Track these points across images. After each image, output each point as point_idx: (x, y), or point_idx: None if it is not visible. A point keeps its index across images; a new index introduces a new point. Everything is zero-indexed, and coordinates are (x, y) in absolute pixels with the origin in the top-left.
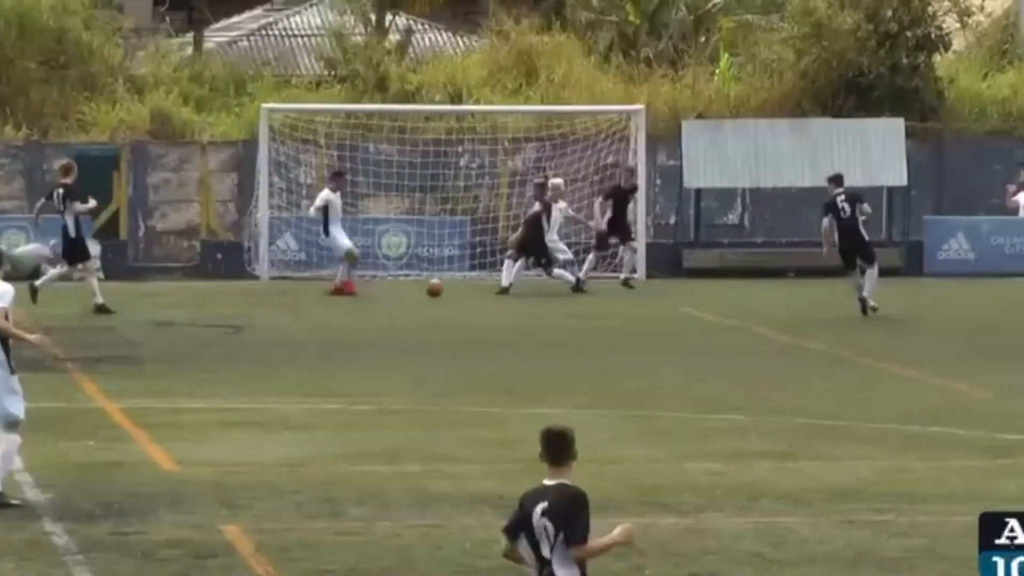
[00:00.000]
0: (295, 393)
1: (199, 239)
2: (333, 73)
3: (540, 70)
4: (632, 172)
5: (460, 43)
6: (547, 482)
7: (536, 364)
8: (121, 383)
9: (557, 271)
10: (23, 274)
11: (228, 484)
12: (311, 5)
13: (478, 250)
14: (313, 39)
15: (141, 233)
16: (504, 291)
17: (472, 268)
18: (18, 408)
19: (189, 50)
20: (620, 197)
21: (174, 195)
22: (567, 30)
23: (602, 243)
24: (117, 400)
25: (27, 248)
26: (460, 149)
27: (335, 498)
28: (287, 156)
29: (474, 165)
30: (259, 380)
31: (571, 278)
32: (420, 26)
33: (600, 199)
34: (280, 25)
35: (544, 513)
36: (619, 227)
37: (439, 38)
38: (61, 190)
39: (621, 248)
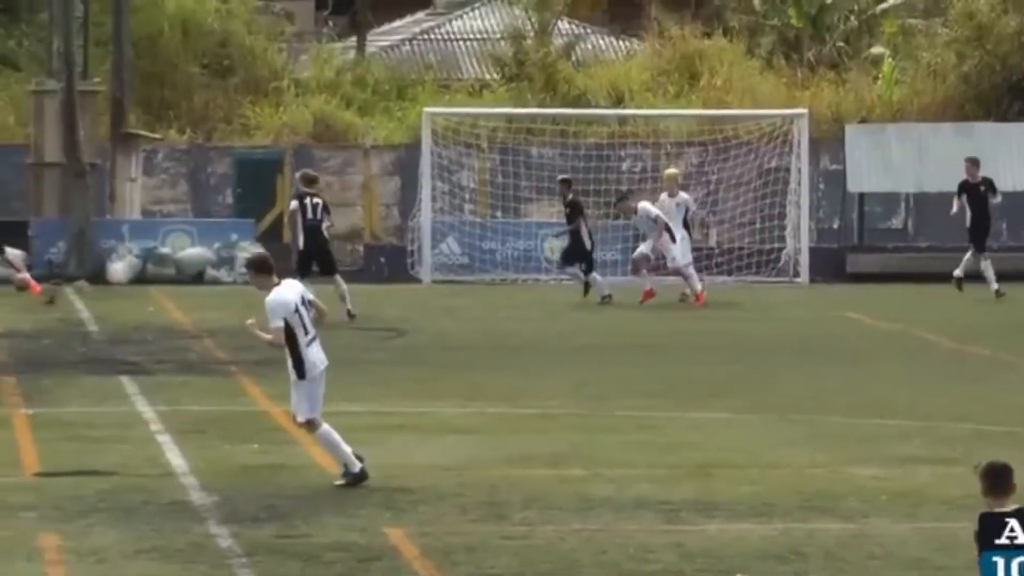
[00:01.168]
0: (458, 397)
1: (362, 243)
2: (502, 74)
3: (702, 74)
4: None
5: (622, 47)
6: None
7: (697, 368)
8: (284, 386)
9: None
10: (186, 277)
11: (392, 487)
12: (473, 9)
13: None
14: (475, 43)
15: None
16: (606, 299)
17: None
18: None
19: (352, 54)
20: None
21: (337, 199)
22: (729, 34)
23: None
24: (280, 403)
25: (191, 252)
26: (622, 153)
27: (499, 502)
28: (449, 160)
29: (636, 169)
30: (422, 384)
31: (592, 281)
32: (583, 30)
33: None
34: (442, 29)
35: None
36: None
37: (601, 42)
38: (319, 202)
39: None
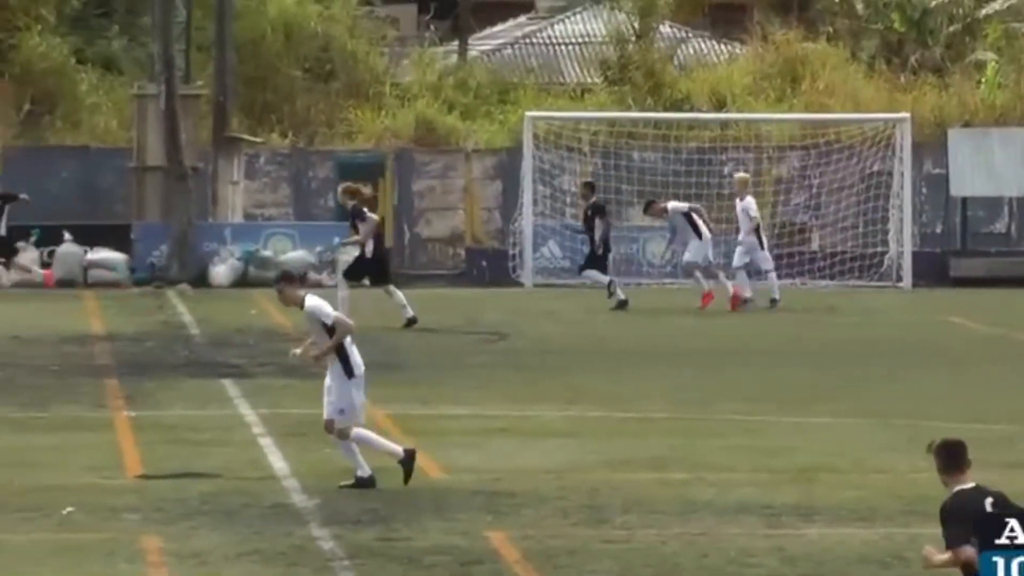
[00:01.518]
0: (559, 400)
1: (464, 246)
2: (604, 78)
3: (804, 78)
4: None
5: (724, 51)
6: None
7: (798, 372)
8: (386, 390)
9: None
10: None
11: (493, 491)
12: (575, 13)
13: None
14: (577, 47)
15: (406, 240)
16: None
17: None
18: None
19: (453, 58)
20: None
21: (439, 202)
22: (832, 38)
23: None
24: (383, 406)
25: (293, 255)
26: (724, 157)
27: (599, 505)
28: (551, 164)
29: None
30: (523, 387)
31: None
32: (685, 34)
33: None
34: (544, 33)
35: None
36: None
37: (703, 46)
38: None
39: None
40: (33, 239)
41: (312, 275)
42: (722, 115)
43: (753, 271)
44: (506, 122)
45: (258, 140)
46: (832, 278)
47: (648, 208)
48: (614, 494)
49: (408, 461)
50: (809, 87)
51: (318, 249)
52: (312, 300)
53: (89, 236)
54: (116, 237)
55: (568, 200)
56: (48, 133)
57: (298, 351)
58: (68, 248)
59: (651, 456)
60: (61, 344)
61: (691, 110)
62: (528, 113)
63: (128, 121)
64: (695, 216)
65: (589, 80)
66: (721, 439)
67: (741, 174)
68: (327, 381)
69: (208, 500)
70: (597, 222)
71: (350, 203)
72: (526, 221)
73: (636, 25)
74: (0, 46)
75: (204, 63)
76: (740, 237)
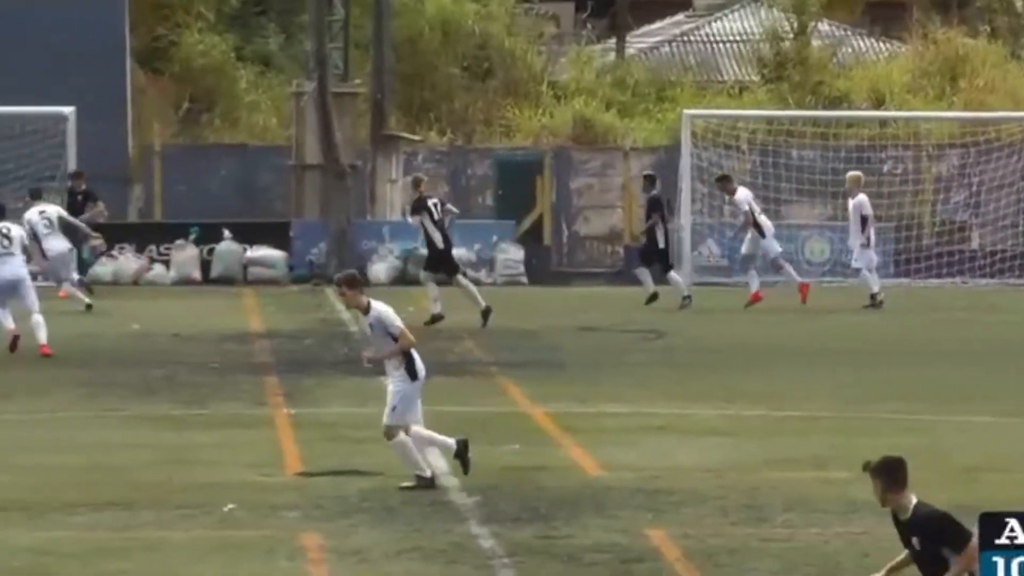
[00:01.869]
0: (717, 399)
1: (622, 244)
2: (762, 76)
3: (963, 75)
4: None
5: (883, 49)
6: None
7: (958, 371)
8: (544, 387)
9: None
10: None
11: (652, 489)
12: (733, 11)
13: (903, 256)
14: (735, 44)
15: (564, 238)
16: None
17: (896, 275)
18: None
19: (611, 56)
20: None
21: (597, 200)
22: (991, 36)
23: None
24: (541, 404)
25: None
26: (883, 155)
27: (760, 504)
28: (709, 162)
29: (897, 171)
30: (681, 385)
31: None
32: (843, 32)
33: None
34: (702, 31)
35: None
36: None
37: (862, 44)
38: (437, 201)
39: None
40: (192, 237)
41: (470, 272)
42: (881, 113)
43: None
44: (664, 120)
45: (416, 138)
46: (992, 276)
47: (721, 181)
48: (774, 493)
49: (462, 452)
50: (968, 85)
51: (476, 247)
52: (377, 308)
53: (248, 234)
54: (275, 235)
55: (727, 198)
56: (207, 131)
57: (368, 354)
58: (227, 246)
59: (812, 455)
60: (221, 341)
61: (849, 108)
62: (686, 111)
63: (286, 119)
64: (748, 216)
65: (747, 78)
66: (883, 438)
67: (853, 172)
68: (390, 386)
69: (368, 497)
70: (653, 216)
71: (413, 195)
72: (684, 219)
73: (793, 22)
74: (160, 45)
75: (363, 61)
76: (852, 239)
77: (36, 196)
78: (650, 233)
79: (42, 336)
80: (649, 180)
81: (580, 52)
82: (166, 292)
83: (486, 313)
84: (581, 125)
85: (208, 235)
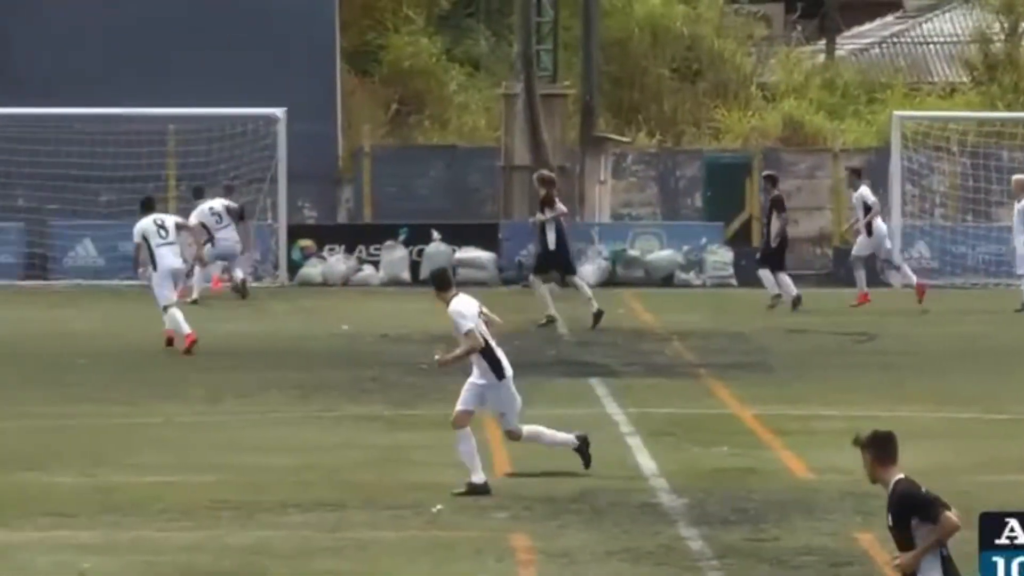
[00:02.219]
0: (928, 401)
1: (831, 246)
2: (971, 77)
3: None
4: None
5: None
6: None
7: None
8: (753, 389)
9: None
10: (655, 280)
11: (862, 492)
12: (943, 11)
13: None
14: (945, 46)
15: None
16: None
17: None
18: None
19: (820, 57)
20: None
21: (806, 202)
22: None
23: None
24: (750, 406)
25: (660, 254)
26: None
27: (971, 507)
28: (919, 164)
29: None
30: (891, 388)
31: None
32: None
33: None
34: (912, 32)
35: None
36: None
37: None
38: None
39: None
40: (401, 238)
41: (679, 274)
42: None
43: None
44: (874, 122)
45: (625, 140)
46: None
47: (851, 173)
48: (986, 496)
49: (583, 448)
50: None
51: (685, 248)
52: (456, 304)
53: (457, 235)
54: (484, 236)
55: (937, 200)
56: (416, 132)
57: (438, 356)
58: (437, 247)
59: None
60: (430, 342)
61: None
62: (896, 113)
63: (495, 120)
64: (871, 210)
65: (958, 79)
66: None
67: (1018, 176)
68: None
69: (576, 499)
70: (774, 216)
71: (542, 191)
72: (895, 221)
73: (1004, 23)
74: (369, 47)
75: (572, 63)
76: (1019, 245)
77: (199, 195)
78: (779, 234)
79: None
80: (770, 180)
81: (789, 53)
82: (375, 293)
83: (598, 316)
84: (790, 127)
85: (417, 236)
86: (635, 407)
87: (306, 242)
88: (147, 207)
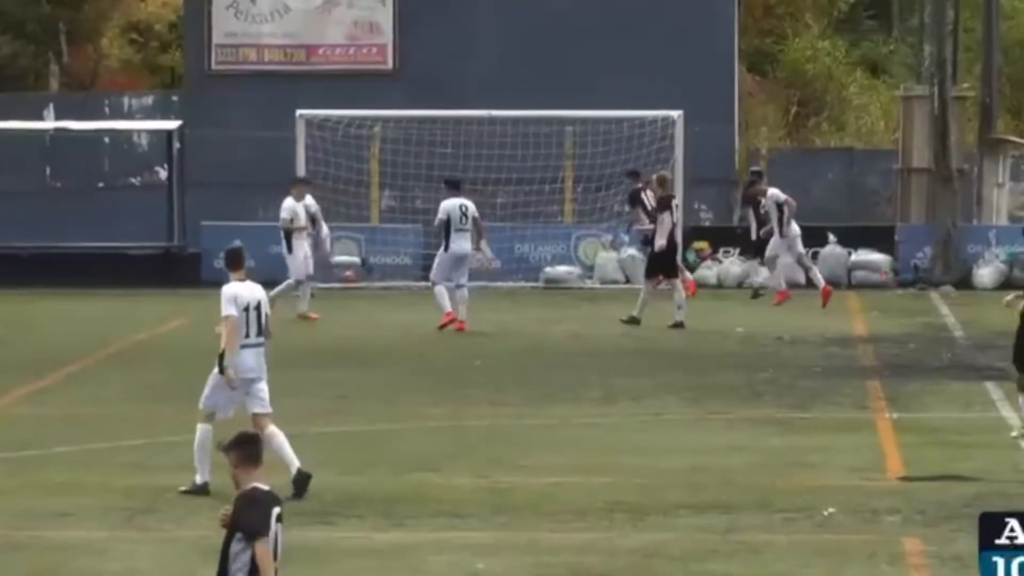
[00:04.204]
0: None
1: None
2: None
3: None
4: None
5: None
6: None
7: None
8: None
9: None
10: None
11: None
12: None
13: None
14: None
15: None
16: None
17: None
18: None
19: None
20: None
21: None
22: None
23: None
24: None
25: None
26: None
27: None
28: None
29: None
30: None
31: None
32: None
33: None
34: None
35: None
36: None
37: None
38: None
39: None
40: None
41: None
42: None
43: None
44: None
45: (1023, 142)
46: None
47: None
48: None
49: (300, 479)
50: None
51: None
52: (225, 288)
53: (853, 238)
54: (879, 239)
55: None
56: (813, 135)
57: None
58: (832, 250)
59: None
60: (825, 345)
61: None
62: None
63: (894, 123)
64: (786, 211)
65: None
66: None
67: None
68: None
69: (970, 503)
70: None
71: (659, 191)
72: None
73: None
74: (767, 49)
75: (970, 64)
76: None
77: (454, 187)
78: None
79: (462, 312)
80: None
81: None
82: (768, 295)
83: (675, 325)
84: None
85: (813, 238)
86: (917, 413)
87: (701, 244)
88: (455, 187)
